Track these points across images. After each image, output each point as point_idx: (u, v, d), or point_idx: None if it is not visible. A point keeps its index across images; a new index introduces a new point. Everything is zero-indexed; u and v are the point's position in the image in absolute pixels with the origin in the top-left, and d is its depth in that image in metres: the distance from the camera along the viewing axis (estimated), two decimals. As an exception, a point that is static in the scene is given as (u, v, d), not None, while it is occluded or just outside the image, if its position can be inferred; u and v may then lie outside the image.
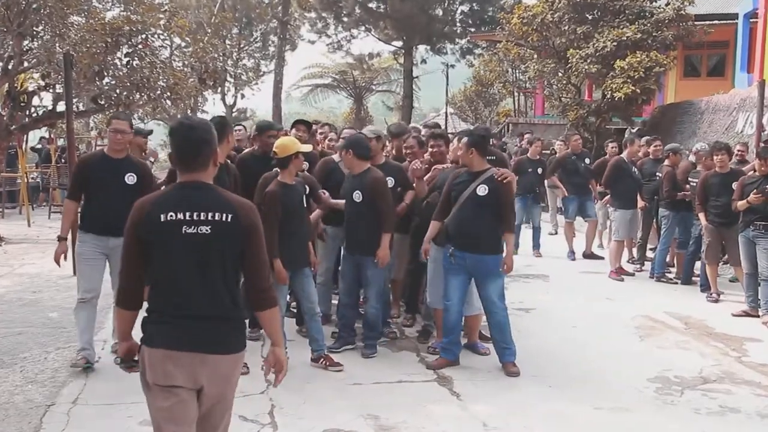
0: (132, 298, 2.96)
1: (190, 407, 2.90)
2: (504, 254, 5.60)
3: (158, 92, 11.50)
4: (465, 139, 5.66)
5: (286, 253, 5.35)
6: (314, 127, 7.78)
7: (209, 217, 2.87)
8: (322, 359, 5.57)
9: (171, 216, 2.85)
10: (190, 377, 2.85)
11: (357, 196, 5.79)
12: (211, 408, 2.96)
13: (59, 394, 4.95)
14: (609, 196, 9.77)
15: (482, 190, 5.53)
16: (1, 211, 14.30)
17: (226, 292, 2.91)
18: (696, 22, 16.17)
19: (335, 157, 6.65)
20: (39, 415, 4.58)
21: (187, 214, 2.86)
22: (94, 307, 5.39)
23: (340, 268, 6.45)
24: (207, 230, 2.86)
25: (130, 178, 5.34)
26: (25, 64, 11.37)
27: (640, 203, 9.47)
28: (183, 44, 12.85)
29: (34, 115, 12.22)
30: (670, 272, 9.42)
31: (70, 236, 5.80)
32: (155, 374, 2.85)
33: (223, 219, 2.88)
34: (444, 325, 5.80)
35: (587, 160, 10.98)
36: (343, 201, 6.01)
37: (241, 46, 33.96)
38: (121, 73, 11.29)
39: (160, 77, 11.36)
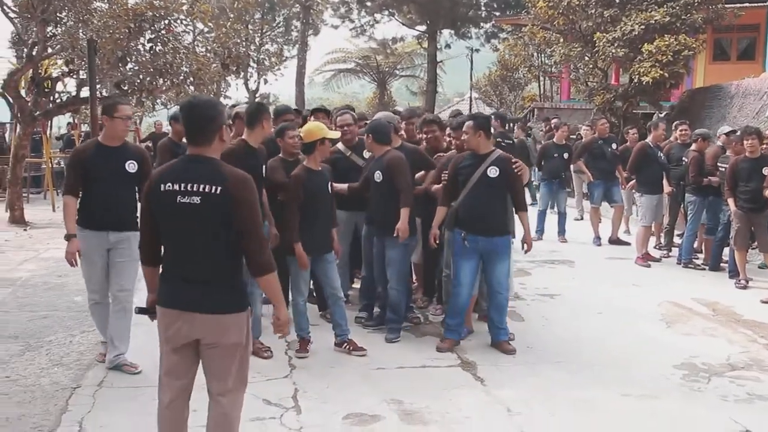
0: (149, 257, 3.35)
1: (188, 358, 3.25)
2: (523, 234, 5.71)
3: (181, 78, 11.50)
4: (471, 123, 5.67)
5: (309, 238, 5.36)
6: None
7: (199, 189, 3.08)
8: (345, 344, 5.58)
9: (168, 186, 3.13)
10: (183, 332, 3.16)
11: (378, 176, 5.84)
12: (209, 354, 3.20)
13: (85, 376, 5.00)
14: (634, 181, 9.66)
15: (493, 172, 5.57)
16: (26, 196, 14.42)
17: (217, 259, 3.13)
18: (726, 5, 15.82)
19: (339, 146, 6.65)
20: (65, 397, 4.63)
21: (182, 185, 3.10)
22: (107, 306, 5.26)
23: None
24: (197, 200, 3.07)
25: (131, 166, 5.08)
26: (49, 50, 11.43)
27: (667, 188, 9.33)
28: (206, 29, 12.85)
29: (58, 101, 12.34)
30: (697, 258, 9.27)
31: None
32: (160, 328, 3.25)
33: (212, 191, 3.07)
34: (452, 307, 5.84)
35: (614, 145, 10.85)
36: (346, 186, 6.14)
37: (264, 31, 33.93)
38: (144, 58, 11.30)
39: (183, 63, 11.38)
